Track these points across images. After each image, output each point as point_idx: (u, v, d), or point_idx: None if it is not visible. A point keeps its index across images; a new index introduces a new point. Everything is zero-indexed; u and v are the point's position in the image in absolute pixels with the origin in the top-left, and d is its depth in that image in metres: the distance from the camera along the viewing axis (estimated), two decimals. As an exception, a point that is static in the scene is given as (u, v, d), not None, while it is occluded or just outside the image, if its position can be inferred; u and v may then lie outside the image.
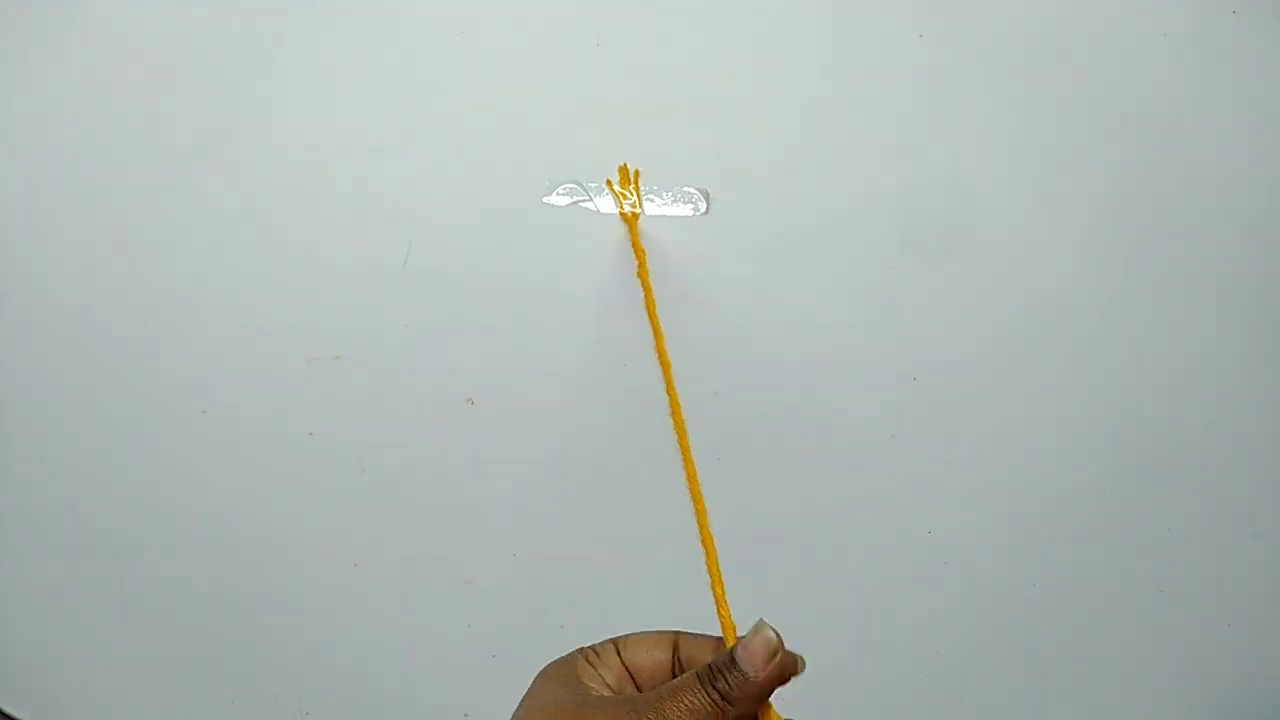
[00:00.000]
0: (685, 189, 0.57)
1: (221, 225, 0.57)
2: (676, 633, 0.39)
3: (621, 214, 0.56)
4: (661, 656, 0.37)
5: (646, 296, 0.53)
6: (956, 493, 0.52)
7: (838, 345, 0.54)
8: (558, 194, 0.57)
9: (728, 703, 0.33)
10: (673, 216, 0.56)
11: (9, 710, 0.46)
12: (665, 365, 0.48)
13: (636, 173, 0.56)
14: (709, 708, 0.33)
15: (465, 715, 0.49)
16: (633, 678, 0.37)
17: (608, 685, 0.37)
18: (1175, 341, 0.54)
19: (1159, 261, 0.55)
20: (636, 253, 0.54)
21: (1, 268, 0.57)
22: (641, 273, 0.53)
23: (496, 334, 0.54)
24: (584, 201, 0.56)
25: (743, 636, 0.34)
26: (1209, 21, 0.59)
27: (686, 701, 0.33)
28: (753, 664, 0.33)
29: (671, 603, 0.50)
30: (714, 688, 0.33)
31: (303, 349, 0.54)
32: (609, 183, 0.56)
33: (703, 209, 0.56)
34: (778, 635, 0.34)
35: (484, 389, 0.53)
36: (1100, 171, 0.57)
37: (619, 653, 0.38)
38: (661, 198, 0.56)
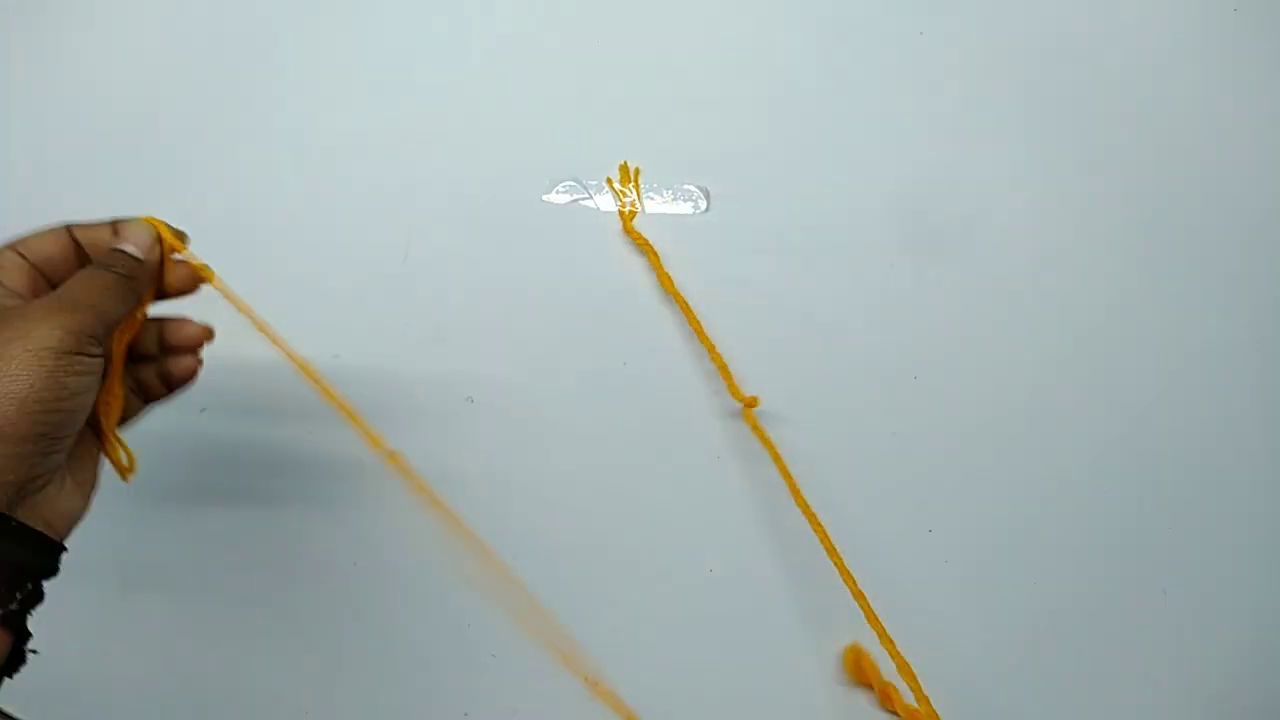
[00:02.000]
0: (685, 187, 0.56)
1: (220, 224, 0.57)
2: (68, 225, 0.42)
3: (620, 212, 0.56)
4: (61, 245, 0.40)
5: (675, 296, 0.54)
6: (956, 492, 0.52)
7: (838, 344, 0.54)
8: (557, 191, 0.56)
9: (131, 279, 0.39)
10: (673, 215, 0.56)
11: (9, 710, 0.46)
12: (720, 366, 0.50)
13: (637, 170, 0.56)
14: (122, 288, 0.38)
15: (465, 715, 0.49)
16: (45, 275, 0.40)
17: (18, 293, 0.38)
18: (1176, 341, 0.54)
19: (1159, 260, 0.55)
20: (647, 251, 0.54)
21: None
22: (663, 280, 0.54)
23: (496, 333, 0.54)
24: (584, 199, 0.56)
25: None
26: (1210, 20, 0.59)
27: (108, 287, 0.38)
28: (139, 247, 0.41)
29: (672, 602, 0.50)
30: (114, 271, 0.39)
31: (301, 348, 0.54)
32: (609, 181, 0.56)
33: (703, 207, 0.56)
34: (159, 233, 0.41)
35: (484, 388, 0.53)
36: (1100, 170, 0.57)
37: (19, 253, 0.39)
38: (661, 195, 0.56)
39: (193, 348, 0.43)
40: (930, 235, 0.56)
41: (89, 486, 0.38)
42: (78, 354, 0.35)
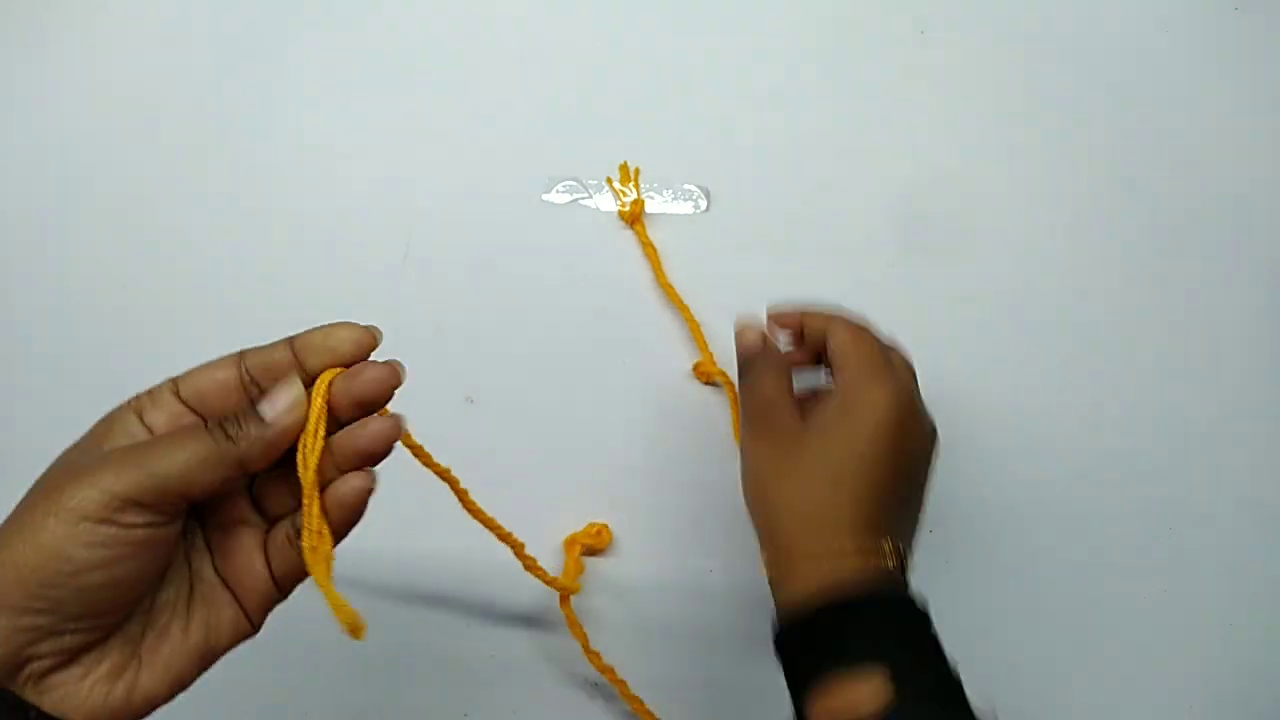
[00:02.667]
0: (686, 186, 0.56)
1: (220, 224, 0.57)
2: (241, 352, 0.34)
3: (621, 213, 0.56)
4: (225, 375, 0.33)
5: (673, 298, 0.54)
6: (957, 492, 0.52)
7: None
8: (558, 191, 0.56)
9: (233, 443, 0.30)
10: (672, 215, 0.56)
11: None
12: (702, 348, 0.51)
13: (637, 171, 0.56)
14: (210, 451, 0.29)
15: (465, 715, 0.49)
16: (197, 411, 0.32)
17: (155, 430, 0.32)
18: (1176, 340, 0.54)
19: (1159, 260, 0.55)
20: (648, 251, 0.54)
21: (1, 268, 0.57)
22: (662, 281, 0.54)
23: (496, 333, 0.54)
24: (584, 199, 0.56)
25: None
26: (1210, 19, 0.59)
27: (188, 446, 0.29)
28: (272, 408, 0.31)
29: (673, 601, 0.50)
30: (221, 429, 0.30)
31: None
32: (609, 181, 0.56)
33: (703, 206, 0.56)
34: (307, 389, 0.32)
35: (484, 387, 0.53)
36: (1100, 170, 0.57)
37: (176, 390, 0.32)
38: (662, 195, 0.56)
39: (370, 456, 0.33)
40: (930, 235, 0.56)
41: (176, 668, 0.32)
42: (103, 522, 0.28)
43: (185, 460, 0.29)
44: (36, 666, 0.28)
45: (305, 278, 0.56)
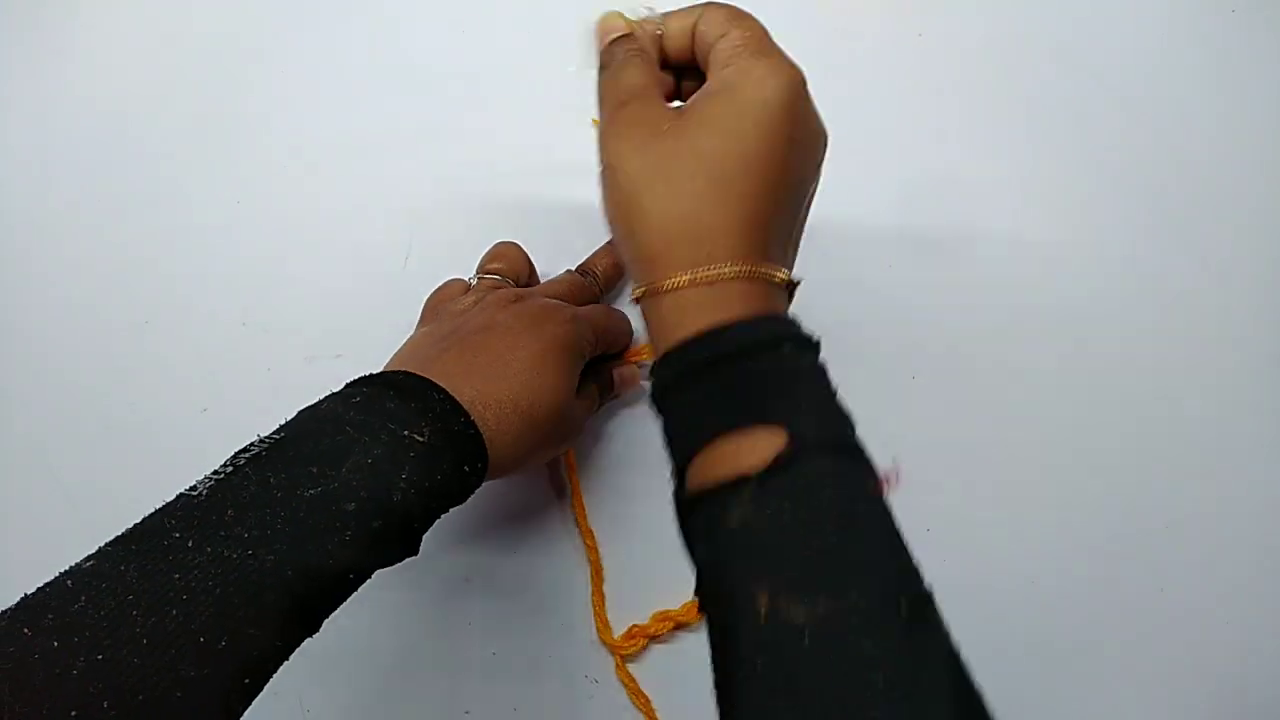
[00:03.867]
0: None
1: (222, 225, 0.57)
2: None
3: None
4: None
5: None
6: (956, 492, 0.52)
7: (837, 344, 0.54)
8: (560, 191, 0.56)
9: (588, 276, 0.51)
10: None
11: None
12: None
13: None
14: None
15: (466, 713, 0.49)
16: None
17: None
18: (1175, 340, 0.54)
19: (1159, 260, 0.55)
20: None
21: (2, 268, 0.57)
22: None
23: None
24: (584, 199, 0.56)
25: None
26: (1208, 21, 0.59)
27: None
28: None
29: (678, 595, 0.50)
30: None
31: (303, 348, 0.54)
32: None
33: None
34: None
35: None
36: (1099, 170, 0.57)
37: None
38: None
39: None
40: (930, 235, 0.56)
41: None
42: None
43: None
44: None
45: (306, 278, 0.56)
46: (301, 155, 0.58)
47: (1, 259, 0.57)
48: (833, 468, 0.29)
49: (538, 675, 0.49)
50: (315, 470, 0.34)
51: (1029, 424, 0.53)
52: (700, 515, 0.30)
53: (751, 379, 0.31)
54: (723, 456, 0.30)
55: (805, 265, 0.56)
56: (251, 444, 0.35)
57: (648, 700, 0.48)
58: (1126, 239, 0.56)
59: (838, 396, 0.32)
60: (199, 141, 0.58)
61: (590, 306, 0.49)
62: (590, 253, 0.53)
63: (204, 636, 0.30)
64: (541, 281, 0.52)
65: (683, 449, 0.31)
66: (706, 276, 0.32)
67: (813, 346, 0.33)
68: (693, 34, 0.36)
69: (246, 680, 0.31)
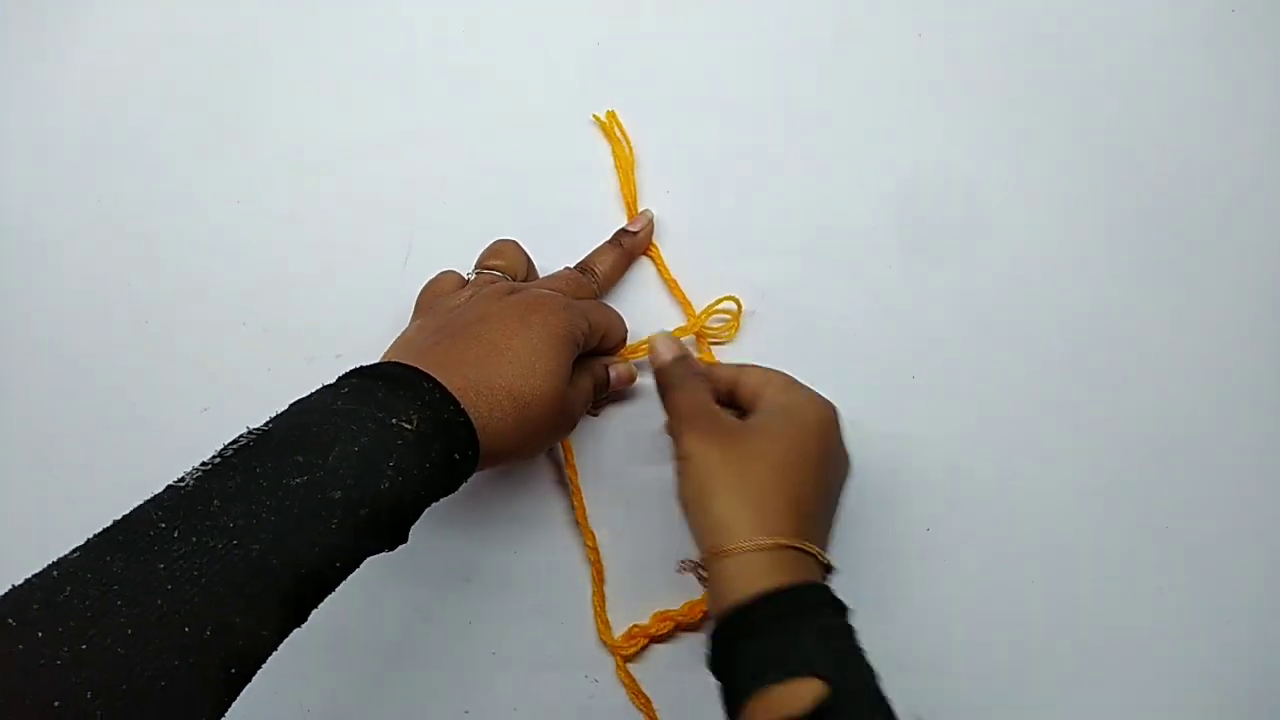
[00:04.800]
0: None
1: (222, 225, 0.57)
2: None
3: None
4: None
5: (679, 296, 0.55)
6: (955, 492, 0.52)
7: (837, 344, 0.54)
8: (559, 192, 0.56)
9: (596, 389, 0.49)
10: (674, 216, 0.56)
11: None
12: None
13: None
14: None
15: (465, 712, 0.49)
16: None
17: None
18: (1175, 340, 0.54)
19: (1159, 260, 0.55)
20: (653, 255, 0.55)
21: (2, 268, 0.57)
22: (664, 272, 0.55)
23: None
24: (585, 199, 0.56)
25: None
26: (1208, 20, 0.59)
27: (581, 386, 0.47)
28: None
29: (675, 592, 0.50)
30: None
31: (303, 348, 0.54)
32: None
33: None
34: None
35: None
36: (1099, 170, 0.57)
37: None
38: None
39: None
40: (930, 235, 0.56)
41: None
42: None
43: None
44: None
45: (307, 278, 0.56)
46: (301, 155, 0.58)
47: (1, 259, 0.57)
48: (866, 714, 0.35)
49: (538, 675, 0.49)
50: (302, 459, 0.34)
51: (1029, 424, 0.53)
52: None
53: (801, 636, 0.37)
54: (776, 701, 0.35)
55: (806, 265, 0.56)
56: (240, 436, 0.36)
57: (648, 701, 0.48)
58: (1126, 239, 0.56)
59: (865, 653, 0.37)
60: (199, 141, 0.58)
61: (586, 300, 0.49)
62: (590, 251, 0.53)
63: (189, 626, 0.30)
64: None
65: (741, 692, 0.37)
66: (766, 545, 0.39)
67: (844, 610, 0.39)
68: (736, 383, 0.46)
69: (233, 670, 0.31)
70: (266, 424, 0.36)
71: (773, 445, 0.41)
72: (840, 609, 0.39)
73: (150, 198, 0.57)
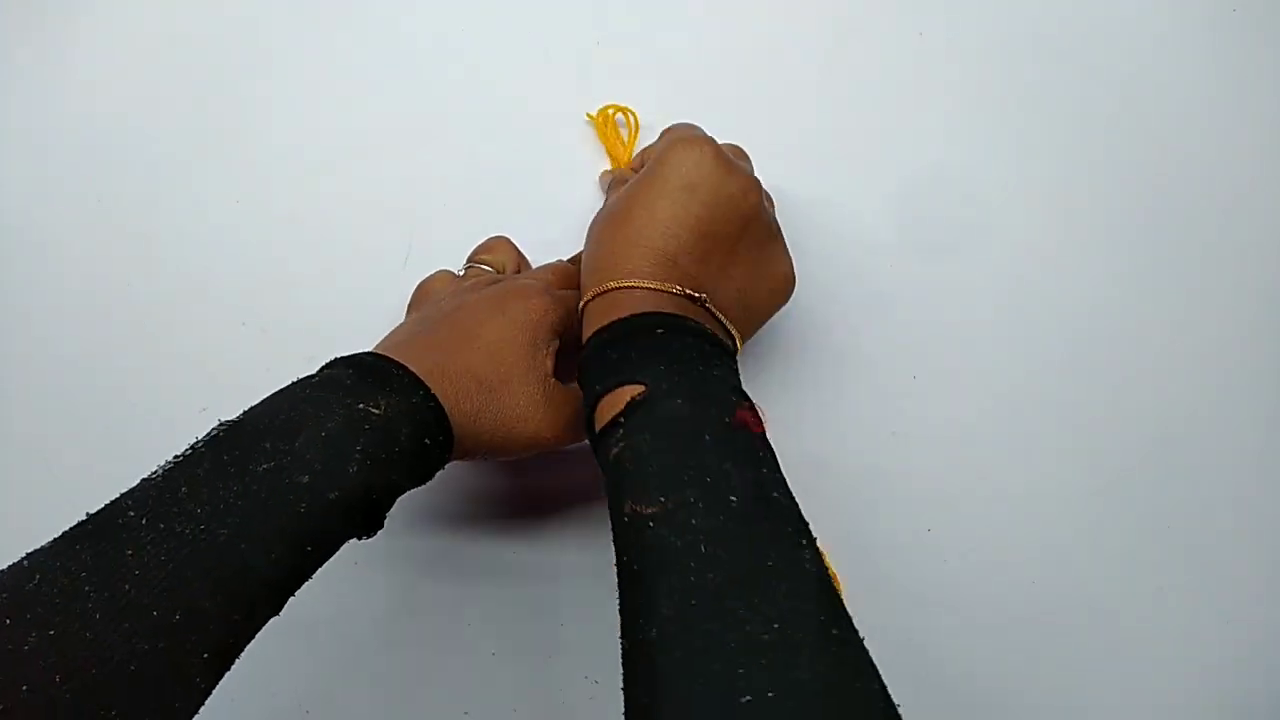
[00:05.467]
0: None
1: (221, 224, 0.57)
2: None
3: None
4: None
5: None
6: (956, 491, 0.52)
7: (838, 344, 0.54)
8: (559, 192, 0.56)
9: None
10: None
11: None
12: None
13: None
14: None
15: (465, 713, 0.49)
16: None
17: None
18: (1175, 340, 0.54)
19: (1159, 261, 0.55)
20: None
21: (2, 268, 0.57)
22: None
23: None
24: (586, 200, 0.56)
25: None
26: (1209, 20, 0.59)
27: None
28: None
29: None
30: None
31: (303, 348, 0.54)
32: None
33: None
34: None
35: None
36: (1100, 170, 0.57)
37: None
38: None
39: None
40: (930, 235, 0.56)
41: None
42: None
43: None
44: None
45: (306, 278, 0.56)
46: (301, 155, 0.58)
47: (1, 259, 0.57)
48: (683, 409, 0.36)
49: (538, 675, 0.49)
50: (269, 446, 0.34)
51: (1029, 424, 0.53)
52: (598, 453, 0.38)
53: (637, 350, 0.38)
54: (610, 404, 0.38)
55: (807, 265, 0.56)
56: (214, 427, 0.36)
57: None
58: (1127, 238, 0.56)
59: (718, 368, 0.39)
60: (199, 141, 0.58)
61: (572, 290, 0.48)
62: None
63: (157, 610, 0.30)
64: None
65: (590, 400, 0.39)
66: (651, 286, 0.41)
67: (700, 335, 0.40)
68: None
69: (206, 655, 0.31)
70: (240, 415, 0.36)
71: (649, 192, 0.42)
72: (692, 332, 0.39)
73: (150, 198, 0.57)
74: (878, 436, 0.51)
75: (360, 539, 0.38)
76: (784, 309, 0.55)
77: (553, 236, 0.54)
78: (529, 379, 0.42)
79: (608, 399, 0.38)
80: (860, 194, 0.56)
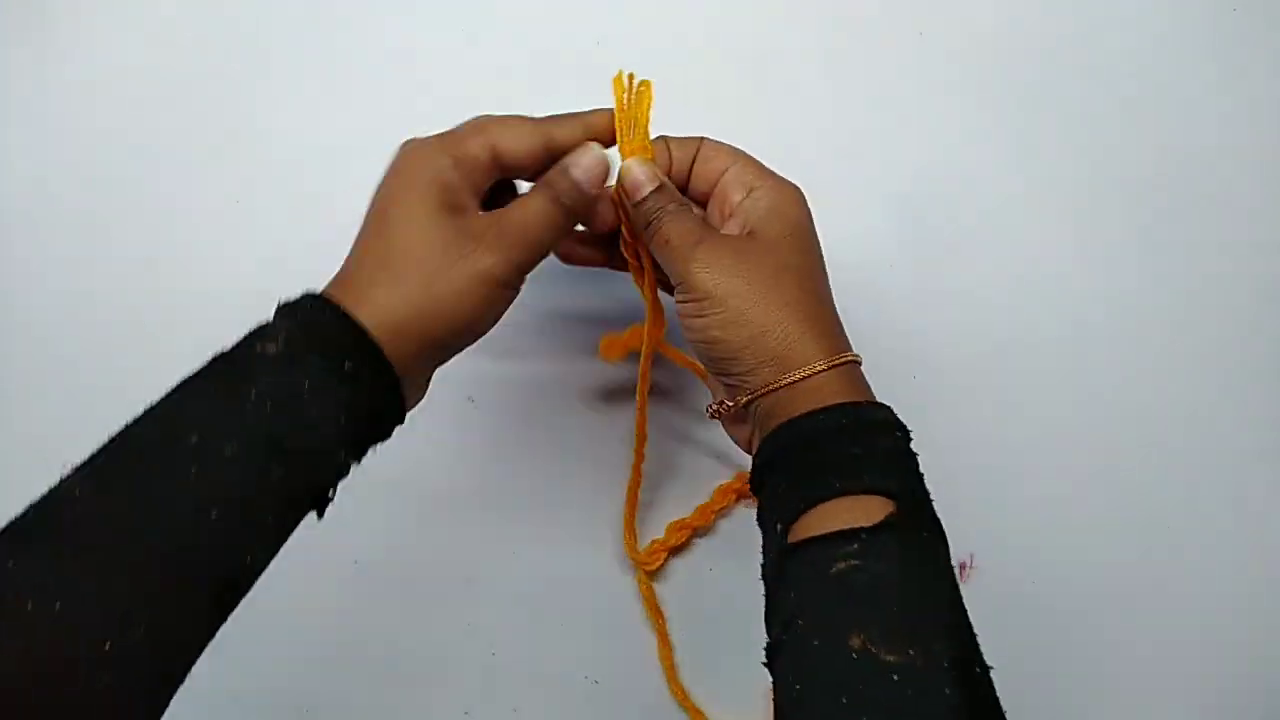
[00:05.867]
0: None
1: (221, 224, 0.57)
2: (542, 121, 0.41)
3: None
4: (530, 143, 0.40)
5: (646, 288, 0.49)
6: (956, 491, 0.52)
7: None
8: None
9: (571, 212, 0.39)
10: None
11: (9, 709, 0.46)
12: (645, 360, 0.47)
13: None
14: (558, 218, 0.39)
15: (465, 713, 0.49)
16: (509, 169, 0.41)
17: (476, 194, 0.40)
18: (1175, 340, 0.54)
19: (1159, 260, 0.55)
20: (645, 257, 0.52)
21: (2, 268, 0.57)
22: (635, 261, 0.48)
23: (497, 333, 0.54)
24: None
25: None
26: (1210, 20, 0.59)
27: (543, 217, 0.38)
28: (588, 178, 0.39)
29: (675, 599, 0.50)
30: (559, 200, 0.39)
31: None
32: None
33: None
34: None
35: (484, 387, 0.53)
36: (1099, 170, 0.57)
37: (494, 151, 0.40)
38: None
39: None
40: (931, 235, 0.56)
41: (423, 391, 0.41)
42: (510, 288, 0.38)
43: (551, 234, 0.39)
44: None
45: (306, 278, 0.56)
46: (301, 155, 0.58)
47: (1, 259, 0.57)
48: (928, 539, 0.34)
49: (538, 675, 0.49)
50: (184, 404, 0.36)
51: (1029, 423, 0.53)
52: (805, 559, 0.34)
53: (872, 453, 0.35)
54: (837, 512, 0.34)
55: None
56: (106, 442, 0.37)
57: (662, 616, 0.49)
58: (1127, 238, 0.56)
59: (923, 478, 0.37)
60: (198, 141, 0.58)
61: (477, 121, 0.41)
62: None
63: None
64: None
65: (795, 504, 0.35)
66: (839, 362, 0.37)
67: (908, 434, 0.38)
68: (693, 162, 0.42)
69: (153, 648, 0.31)
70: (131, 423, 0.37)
71: (789, 254, 0.39)
72: (904, 431, 0.37)
73: (149, 198, 0.57)
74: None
75: (321, 490, 0.36)
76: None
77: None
78: (425, 229, 0.37)
79: (844, 502, 0.34)
80: (861, 193, 0.56)
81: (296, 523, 0.36)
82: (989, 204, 0.56)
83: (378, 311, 0.36)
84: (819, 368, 0.37)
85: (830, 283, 0.41)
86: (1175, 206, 0.56)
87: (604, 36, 0.59)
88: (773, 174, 0.42)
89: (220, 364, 0.36)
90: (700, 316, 0.38)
